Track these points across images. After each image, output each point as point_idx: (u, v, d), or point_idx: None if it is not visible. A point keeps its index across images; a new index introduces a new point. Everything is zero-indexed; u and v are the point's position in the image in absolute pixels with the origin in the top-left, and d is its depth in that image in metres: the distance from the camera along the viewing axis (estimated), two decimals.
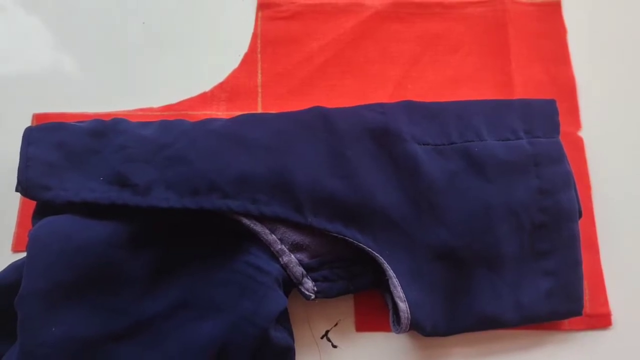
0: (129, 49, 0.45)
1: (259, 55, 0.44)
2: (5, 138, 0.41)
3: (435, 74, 0.44)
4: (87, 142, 0.35)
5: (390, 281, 0.35)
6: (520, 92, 0.44)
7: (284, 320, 0.36)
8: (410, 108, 0.38)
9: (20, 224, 0.40)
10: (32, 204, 0.36)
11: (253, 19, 0.45)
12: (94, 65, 0.44)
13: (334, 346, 0.38)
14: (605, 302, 0.39)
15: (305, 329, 0.38)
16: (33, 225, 0.35)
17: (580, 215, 0.39)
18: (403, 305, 0.35)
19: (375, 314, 0.38)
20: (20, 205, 0.40)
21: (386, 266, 0.35)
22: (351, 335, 0.38)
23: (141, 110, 0.43)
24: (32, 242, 0.33)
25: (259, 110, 0.43)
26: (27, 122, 0.42)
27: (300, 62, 0.44)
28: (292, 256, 0.35)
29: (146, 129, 0.36)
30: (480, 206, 0.36)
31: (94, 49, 0.45)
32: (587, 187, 0.42)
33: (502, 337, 0.38)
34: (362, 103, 0.39)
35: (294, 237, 0.35)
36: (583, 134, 0.43)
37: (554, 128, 0.39)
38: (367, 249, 0.35)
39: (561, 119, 0.40)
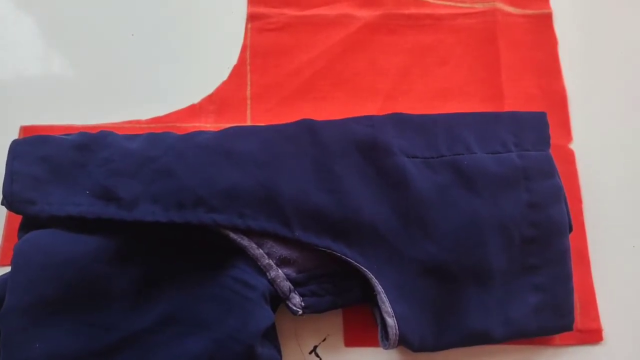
0: (118, 61, 0.45)
1: (248, 67, 0.44)
2: None
3: (425, 86, 0.44)
4: (72, 155, 0.35)
5: (378, 296, 0.35)
6: (510, 104, 0.44)
7: (271, 336, 0.35)
8: (399, 121, 0.38)
9: (6, 237, 0.40)
10: (19, 217, 0.35)
11: (242, 31, 0.45)
12: (82, 77, 0.44)
13: None
14: (596, 317, 0.39)
15: (293, 344, 0.38)
16: (19, 239, 0.34)
17: (570, 230, 0.38)
18: (391, 321, 0.34)
19: (364, 329, 0.38)
20: (6, 219, 0.40)
21: (374, 281, 0.35)
22: (340, 351, 0.38)
23: (129, 122, 0.42)
24: (17, 256, 0.33)
25: (248, 123, 0.43)
26: (14, 134, 0.42)
27: (290, 74, 0.44)
28: (280, 271, 0.35)
29: (133, 142, 0.36)
30: (470, 220, 0.36)
31: (82, 61, 0.45)
32: (578, 200, 0.42)
33: (493, 352, 0.38)
34: (352, 115, 0.38)
35: (282, 251, 0.35)
36: (574, 146, 0.43)
37: (545, 141, 0.39)
38: (355, 263, 0.35)
39: (552, 131, 0.40)
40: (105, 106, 0.43)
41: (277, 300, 0.35)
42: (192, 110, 0.43)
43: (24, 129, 0.42)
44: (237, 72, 0.44)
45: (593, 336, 0.39)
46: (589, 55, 0.46)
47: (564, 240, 0.38)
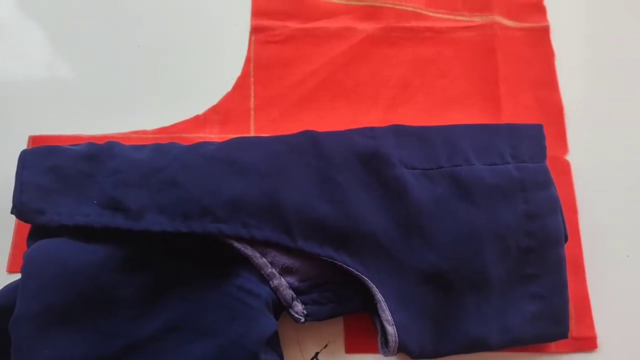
0: (124, 72, 0.45)
1: (252, 79, 0.45)
2: (1, 160, 0.41)
3: (425, 97, 0.45)
4: (80, 165, 0.35)
5: (378, 305, 0.35)
6: (508, 116, 0.44)
7: (274, 343, 0.36)
8: (399, 132, 0.39)
9: (15, 244, 0.40)
10: (28, 225, 0.36)
11: (246, 43, 0.46)
12: (88, 88, 0.45)
13: None
14: (591, 325, 0.40)
15: (295, 351, 0.39)
16: (28, 248, 0.35)
17: (566, 240, 0.39)
18: (391, 329, 0.35)
19: (365, 335, 0.39)
20: (15, 226, 0.41)
21: (375, 290, 0.35)
22: (341, 357, 0.39)
23: (135, 132, 0.43)
24: (27, 264, 0.33)
25: (252, 133, 0.43)
26: (23, 144, 0.42)
27: (293, 85, 0.45)
28: (282, 279, 0.35)
29: (139, 153, 0.37)
30: (468, 230, 0.37)
31: (88, 71, 0.45)
32: (574, 211, 0.42)
33: None
34: (354, 126, 0.39)
35: (284, 260, 0.35)
36: (570, 158, 0.44)
37: (541, 153, 0.40)
38: (356, 273, 0.35)
39: (548, 143, 0.40)
40: (111, 117, 0.44)
41: (279, 308, 0.36)
42: (197, 121, 0.44)
43: (32, 138, 0.43)
44: (241, 84, 0.45)
45: (588, 344, 0.40)
46: (585, 68, 0.47)
47: (559, 250, 0.38)
